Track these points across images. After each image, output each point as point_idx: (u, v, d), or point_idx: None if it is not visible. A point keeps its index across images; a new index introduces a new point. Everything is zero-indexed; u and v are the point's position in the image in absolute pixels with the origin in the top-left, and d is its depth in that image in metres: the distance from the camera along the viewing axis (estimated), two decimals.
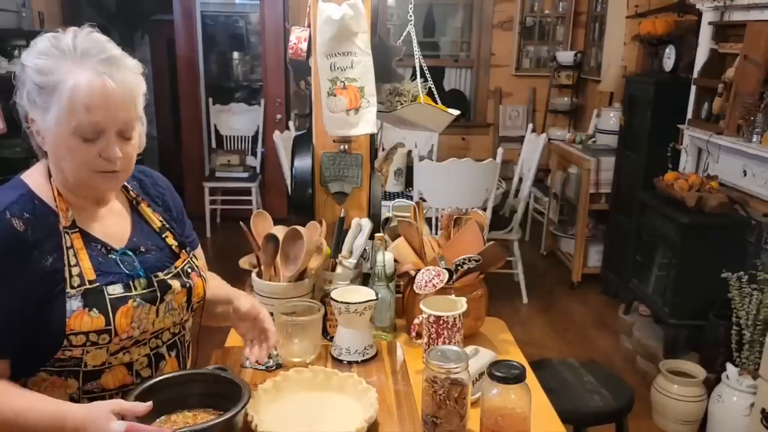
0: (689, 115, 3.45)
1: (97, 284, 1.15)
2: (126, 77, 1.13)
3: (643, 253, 3.51)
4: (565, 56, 5.59)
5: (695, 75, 3.42)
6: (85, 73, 1.09)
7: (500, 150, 3.82)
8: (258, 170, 5.60)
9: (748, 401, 2.48)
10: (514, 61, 5.82)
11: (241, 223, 1.68)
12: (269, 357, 1.50)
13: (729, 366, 2.61)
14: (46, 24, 4.67)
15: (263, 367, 1.47)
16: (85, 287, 1.14)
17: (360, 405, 1.30)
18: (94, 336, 1.14)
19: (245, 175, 5.40)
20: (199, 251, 1.48)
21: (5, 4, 4.34)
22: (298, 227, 1.60)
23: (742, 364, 2.60)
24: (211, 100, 5.58)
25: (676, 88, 3.56)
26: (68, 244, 1.15)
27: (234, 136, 5.64)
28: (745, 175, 3.00)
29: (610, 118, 4.55)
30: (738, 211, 2.99)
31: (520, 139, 4.94)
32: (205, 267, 1.49)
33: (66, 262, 1.14)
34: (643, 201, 3.46)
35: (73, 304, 1.12)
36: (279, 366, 1.49)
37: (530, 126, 4.84)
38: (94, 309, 1.13)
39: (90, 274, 1.15)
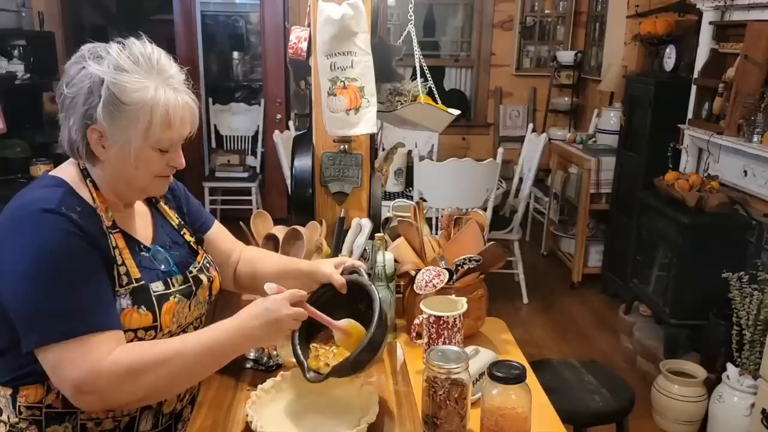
0: (690, 115, 3.45)
1: (143, 282, 1.19)
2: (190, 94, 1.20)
3: (643, 253, 3.51)
4: (566, 56, 5.59)
5: (696, 75, 3.42)
6: (169, 90, 1.14)
7: (500, 150, 3.81)
8: (258, 170, 5.60)
9: (749, 401, 2.48)
10: (514, 60, 5.82)
11: (241, 223, 1.68)
12: (269, 357, 1.50)
13: (729, 366, 2.61)
14: (46, 24, 4.67)
15: (263, 367, 1.47)
16: (132, 285, 1.17)
17: (360, 405, 1.30)
18: (141, 332, 1.17)
19: (245, 175, 5.40)
20: (218, 226, 1.49)
21: (5, 4, 4.33)
22: (298, 227, 1.60)
23: (742, 364, 2.60)
24: (210, 99, 5.58)
25: (677, 87, 3.56)
26: (114, 244, 1.18)
27: (234, 136, 5.64)
28: (745, 175, 3.00)
29: (611, 118, 4.54)
30: (738, 211, 2.99)
31: (521, 139, 4.94)
32: (233, 239, 1.52)
33: (114, 261, 1.16)
34: (644, 201, 3.46)
35: (123, 302, 1.15)
36: (279, 366, 1.48)
37: (530, 126, 4.83)
38: (143, 306, 1.17)
39: (135, 272, 1.19)
